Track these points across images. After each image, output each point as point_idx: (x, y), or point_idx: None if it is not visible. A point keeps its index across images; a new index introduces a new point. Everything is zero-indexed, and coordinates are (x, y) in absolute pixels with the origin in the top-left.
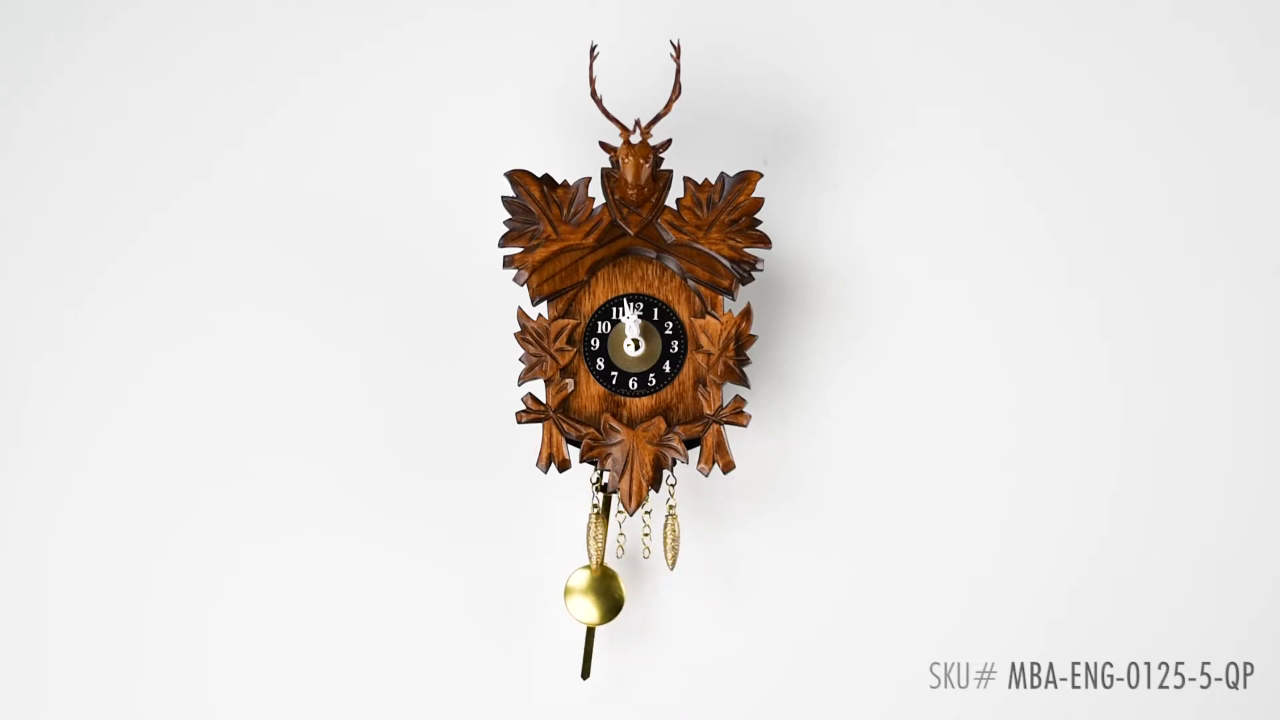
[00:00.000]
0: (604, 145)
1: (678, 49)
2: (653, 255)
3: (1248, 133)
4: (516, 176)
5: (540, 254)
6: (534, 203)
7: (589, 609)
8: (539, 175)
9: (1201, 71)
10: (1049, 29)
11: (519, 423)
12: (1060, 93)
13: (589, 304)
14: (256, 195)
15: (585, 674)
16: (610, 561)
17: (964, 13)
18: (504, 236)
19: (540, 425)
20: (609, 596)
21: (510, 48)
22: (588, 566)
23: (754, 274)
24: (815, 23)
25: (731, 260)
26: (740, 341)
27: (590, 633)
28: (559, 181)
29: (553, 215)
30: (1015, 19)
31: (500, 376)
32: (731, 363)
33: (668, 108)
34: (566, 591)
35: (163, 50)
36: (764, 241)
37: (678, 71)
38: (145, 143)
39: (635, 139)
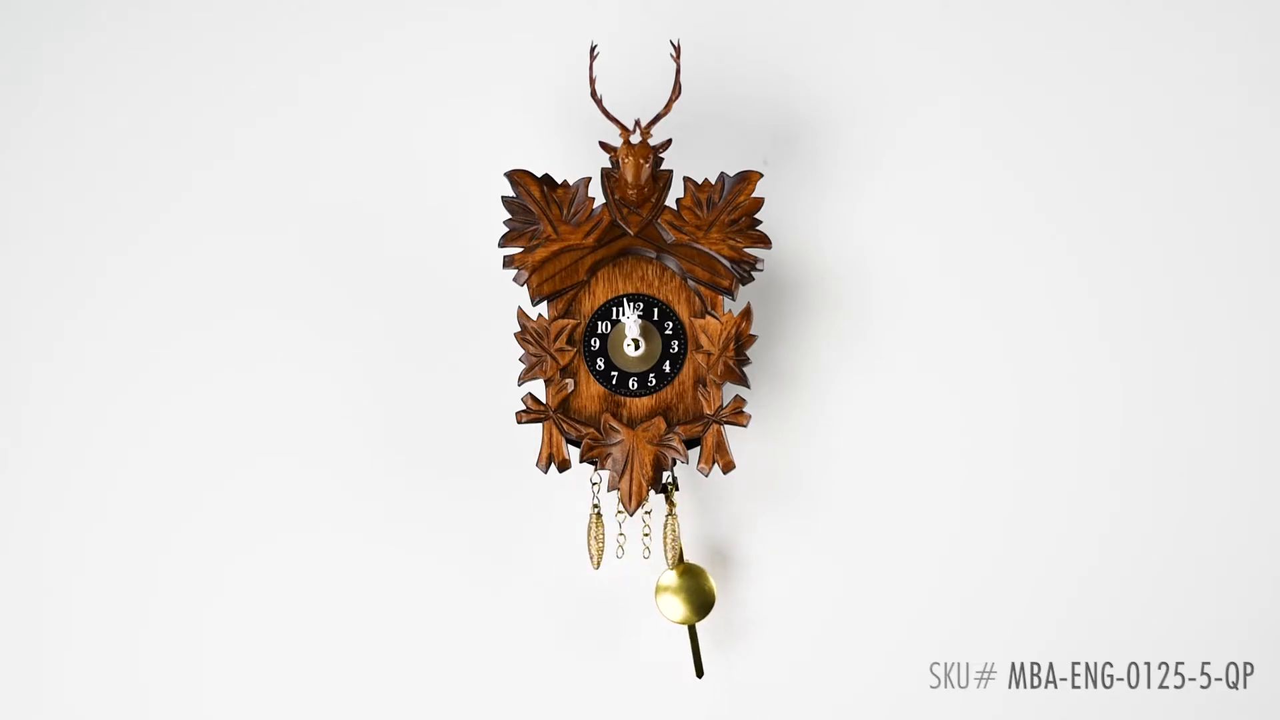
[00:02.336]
0: (604, 145)
1: (678, 49)
2: (653, 255)
3: (1248, 130)
4: (516, 176)
5: (540, 254)
6: (534, 203)
7: (678, 606)
8: (539, 175)
9: (1201, 69)
10: (1048, 28)
11: (519, 422)
12: (1060, 92)
13: (589, 304)
14: (256, 195)
15: (699, 672)
16: (610, 561)
17: (963, 12)
18: (504, 236)
19: (540, 425)
20: (700, 593)
21: (510, 48)
22: (677, 566)
23: (754, 274)
24: (815, 23)
25: (731, 260)
26: (740, 341)
27: (692, 630)
28: (559, 181)
29: (553, 215)
30: (1015, 19)
31: (500, 377)
32: (731, 363)
33: (667, 108)
34: (657, 590)
35: (161, 51)
36: (764, 241)
37: (678, 71)
38: (144, 143)
39: (635, 139)
